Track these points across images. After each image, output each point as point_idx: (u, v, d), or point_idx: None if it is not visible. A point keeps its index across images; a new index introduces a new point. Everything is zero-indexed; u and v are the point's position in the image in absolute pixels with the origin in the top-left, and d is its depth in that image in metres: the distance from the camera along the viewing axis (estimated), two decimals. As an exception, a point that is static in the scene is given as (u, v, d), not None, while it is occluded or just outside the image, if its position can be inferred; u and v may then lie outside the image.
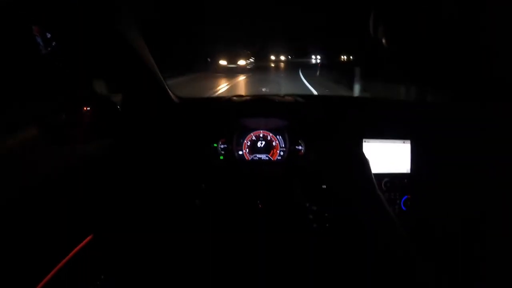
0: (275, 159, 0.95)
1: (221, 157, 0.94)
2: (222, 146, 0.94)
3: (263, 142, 0.95)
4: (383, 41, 0.85)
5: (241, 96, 1.03)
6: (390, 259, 0.46)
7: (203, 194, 0.88)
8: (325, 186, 0.87)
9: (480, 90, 0.90)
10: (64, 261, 0.64)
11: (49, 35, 0.94)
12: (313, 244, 0.84)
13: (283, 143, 0.95)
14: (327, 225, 0.83)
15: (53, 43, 0.95)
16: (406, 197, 0.90)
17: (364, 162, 0.62)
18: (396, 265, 0.46)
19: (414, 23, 0.86)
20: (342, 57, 11.65)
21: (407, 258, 0.46)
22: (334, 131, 0.91)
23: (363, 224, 0.52)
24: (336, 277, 0.77)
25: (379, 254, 0.48)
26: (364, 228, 0.52)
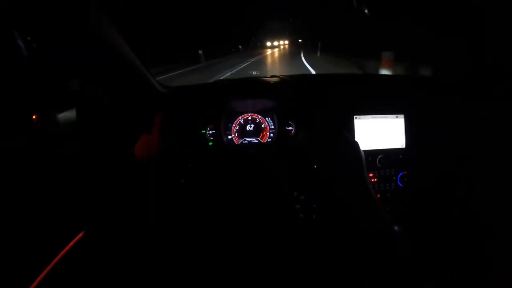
0: (265, 141, 0.92)
1: (210, 143, 0.92)
2: (210, 132, 0.92)
3: (252, 125, 0.92)
4: (366, 11, 0.82)
5: (227, 80, 1.00)
6: (371, 242, 0.47)
7: (188, 174, 0.85)
8: (315, 166, 0.85)
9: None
10: (56, 258, 0.62)
11: (29, 38, 0.93)
12: (300, 234, 0.81)
13: (272, 124, 0.92)
14: (314, 216, 0.80)
15: (34, 45, 0.94)
16: (402, 173, 0.87)
17: (354, 146, 0.61)
18: (378, 248, 0.46)
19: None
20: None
21: (388, 241, 0.47)
22: (324, 109, 0.88)
23: (347, 207, 0.52)
24: (321, 265, 0.75)
25: (361, 237, 0.48)
26: (348, 211, 0.51)
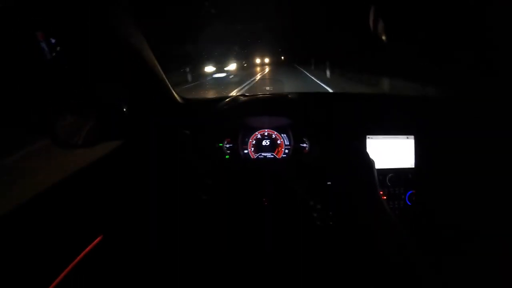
0: (280, 157, 0.96)
1: (227, 156, 0.96)
2: (227, 146, 0.96)
3: (268, 141, 0.97)
4: (383, 37, 0.86)
5: (245, 95, 1.04)
6: (388, 259, 0.49)
7: (209, 190, 0.89)
8: (330, 183, 0.89)
9: (479, 87, 0.91)
10: (74, 262, 0.66)
11: (53, 41, 0.97)
12: (317, 241, 0.86)
13: (287, 141, 0.96)
14: (330, 223, 0.84)
15: (58, 48, 0.97)
16: (411, 192, 0.91)
17: (368, 162, 0.64)
18: (394, 266, 0.48)
19: (415, 20, 0.87)
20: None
21: (405, 259, 0.48)
22: (338, 128, 0.92)
23: (363, 224, 0.54)
24: (338, 273, 0.79)
25: (378, 254, 0.50)
26: (364, 227, 0.54)
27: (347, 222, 0.64)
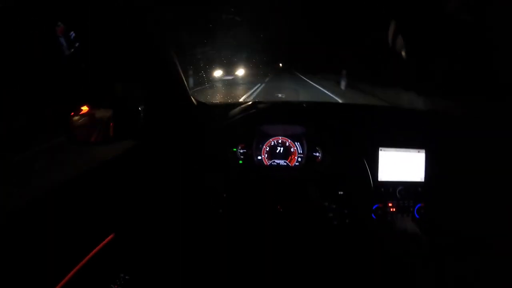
0: (293, 165, 0.98)
1: (240, 162, 0.97)
2: (241, 151, 0.98)
3: (282, 148, 0.98)
4: (402, 53, 0.87)
5: (260, 102, 1.06)
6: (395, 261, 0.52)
7: (225, 203, 0.91)
8: (341, 193, 0.91)
9: (495, 99, 0.93)
10: (86, 259, 0.67)
11: (72, 36, 0.97)
12: (335, 241, 0.88)
13: (301, 149, 0.98)
14: (347, 221, 0.87)
15: (77, 44, 0.98)
16: (419, 205, 0.93)
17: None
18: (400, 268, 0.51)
19: (434, 37, 0.88)
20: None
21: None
22: (351, 139, 0.94)
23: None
24: (357, 272, 0.82)
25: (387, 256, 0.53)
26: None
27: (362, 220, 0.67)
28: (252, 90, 6.69)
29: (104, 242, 0.76)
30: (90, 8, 0.71)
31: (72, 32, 0.93)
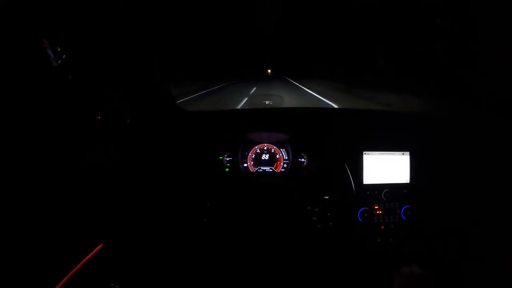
0: (279, 171, 0.98)
1: (227, 169, 0.98)
2: (227, 159, 0.98)
3: (267, 155, 0.99)
4: (381, 62, 0.89)
5: (245, 109, 1.06)
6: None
7: (209, 212, 0.91)
8: (327, 197, 0.92)
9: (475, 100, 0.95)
10: (75, 268, 0.67)
11: (59, 48, 0.98)
12: (319, 243, 0.89)
13: (286, 155, 0.98)
14: (330, 223, 0.88)
15: (64, 56, 0.99)
16: (406, 206, 0.93)
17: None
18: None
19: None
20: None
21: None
22: (335, 144, 0.94)
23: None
24: (343, 272, 0.83)
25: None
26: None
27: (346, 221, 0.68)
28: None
29: (94, 251, 0.76)
30: (77, 20, 0.72)
31: (58, 46, 0.94)
